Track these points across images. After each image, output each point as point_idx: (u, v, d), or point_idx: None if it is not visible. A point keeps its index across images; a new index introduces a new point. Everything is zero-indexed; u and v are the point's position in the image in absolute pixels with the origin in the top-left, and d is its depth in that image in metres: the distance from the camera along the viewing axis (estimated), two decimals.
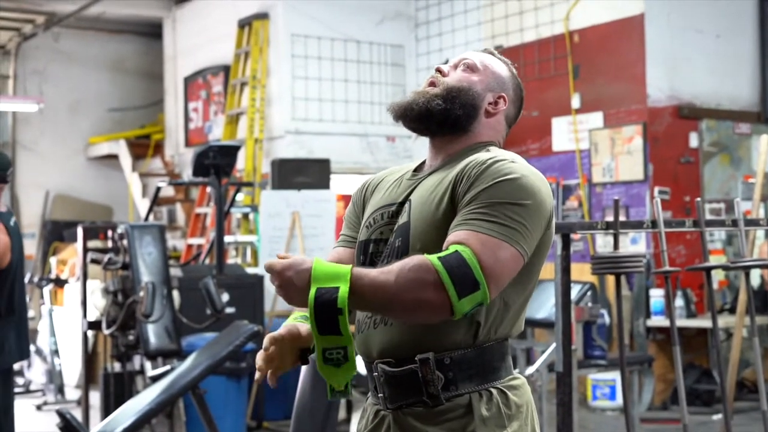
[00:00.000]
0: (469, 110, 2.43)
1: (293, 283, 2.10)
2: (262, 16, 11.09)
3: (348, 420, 7.07)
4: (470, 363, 2.27)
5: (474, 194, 2.23)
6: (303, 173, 9.29)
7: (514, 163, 2.28)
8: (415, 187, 2.39)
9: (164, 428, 6.28)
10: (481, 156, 2.33)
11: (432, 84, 2.46)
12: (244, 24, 11.29)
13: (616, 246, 4.02)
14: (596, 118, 9.49)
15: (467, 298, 2.11)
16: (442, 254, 2.12)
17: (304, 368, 4.74)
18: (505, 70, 2.53)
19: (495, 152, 2.36)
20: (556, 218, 9.05)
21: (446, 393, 2.26)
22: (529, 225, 2.21)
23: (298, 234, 8.84)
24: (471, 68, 2.48)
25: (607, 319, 6.74)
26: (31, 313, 10.78)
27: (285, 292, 2.12)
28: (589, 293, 6.25)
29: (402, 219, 2.36)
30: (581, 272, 7.66)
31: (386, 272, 2.12)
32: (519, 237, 2.18)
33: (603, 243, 9.11)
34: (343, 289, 2.06)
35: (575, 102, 9.64)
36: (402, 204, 2.39)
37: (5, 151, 13.53)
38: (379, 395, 2.33)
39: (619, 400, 8.39)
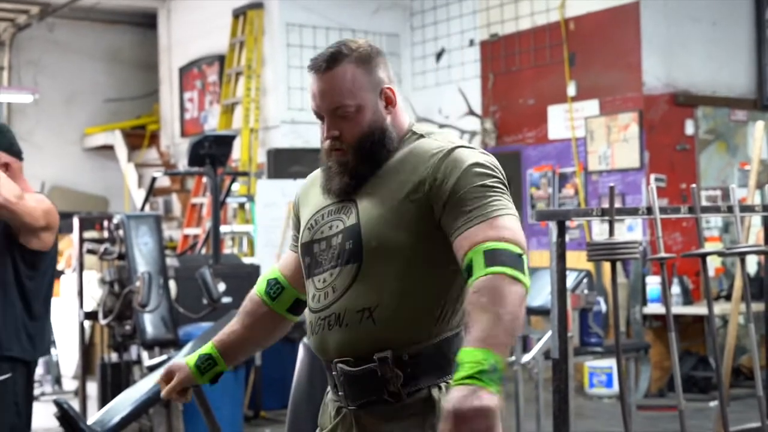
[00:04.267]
0: (382, 136, 2.39)
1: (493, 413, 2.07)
2: (257, 6, 11.08)
3: None
4: (429, 357, 2.28)
5: (447, 196, 2.26)
6: (298, 163, 9.29)
7: (463, 148, 2.33)
8: (358, 186, 2.37)
9: (161, 418, 6.28)
10: (430, 149, 2.34)
11: (338, 151, 2.38)
12: (239, 13, 11.27)
13: (611, 233, 4.02)
14: (592, 106, 9.48)
15: (526, 270, 2.17)
16: (479, 263, 2.16)
17: (300, 356, 4.74)
18: (361, 60, 2.38)
19: (437, 138, 2.38)
20: (552, 206, 9.02)
21: (407, 389, 2.27)
22: (507, 199, 2.28)
23: None
24: (347, 110, 2.36)
25: (603, 307, 6.75)
26: None
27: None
28: (585, 281, 6.26)
29: (350, 220, 2.35)
30: (577, 260, 7.64)
31: (484, 316, 2.11)
32: (507, 205, 2.26)
33: (599, 231, 9.11)
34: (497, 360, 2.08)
35: (571, 90, 9.63)
36: (342, 202, 2.39)
37: None
38: (340, 393, 2.34)
39: (616, 387, 8.40)
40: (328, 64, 2.35)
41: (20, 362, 4.50)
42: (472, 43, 10.87)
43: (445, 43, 11.22)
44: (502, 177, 2.31)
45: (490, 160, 2.33)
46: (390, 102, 2.41)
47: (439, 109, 11.16)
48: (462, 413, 1.98)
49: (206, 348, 2.63)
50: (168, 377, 2.65)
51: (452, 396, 2.01)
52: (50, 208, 4.54)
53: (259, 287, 2.65)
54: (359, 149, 2.36)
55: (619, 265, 4.16)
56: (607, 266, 7.80)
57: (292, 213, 2.63)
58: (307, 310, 2.45)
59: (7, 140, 4.52)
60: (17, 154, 4.56)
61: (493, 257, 2.15)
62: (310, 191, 2.53)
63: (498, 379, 2.06)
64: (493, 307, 2.10)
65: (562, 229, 4.11)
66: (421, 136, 2.40)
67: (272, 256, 8.74)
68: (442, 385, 2.29)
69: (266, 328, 2.65)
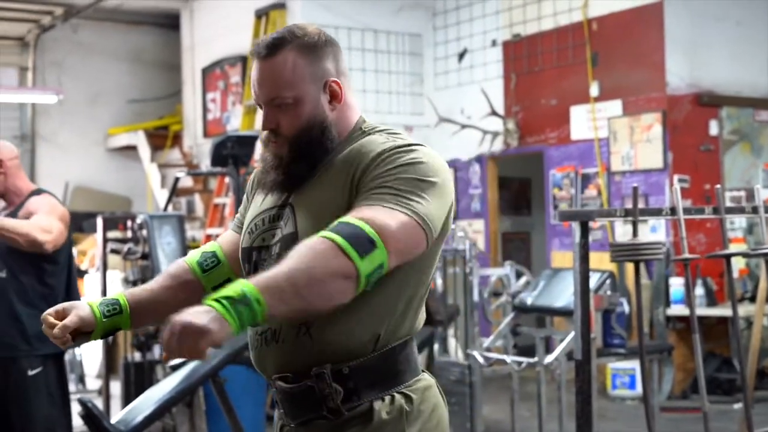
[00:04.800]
0: (320, 133, 2.22)
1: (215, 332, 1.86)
2: (279, 6, 11.10)
3: None
4: (371, 370, 2.14)
5: (371, 178, 2.10)
6: None
7: (409, 146, 2.15)
8: (294, 186, 2.23)
9: (184, 417, 6.31)
10: (372, 145, 2.18)
11: (274, 144, 2.23)
12: (261, 14, 11.29)
13: (635, 234, 4.00)
14: (615, 106, 9.45)
15: (368, 258, 1.96)
16: (329, 228, 2.00)
17: None
18: (305, 48, 2.22)
19: (382, 137, 2.21)
20: (574, 206, 9.05)
21: (347, 404, 2.14)
22: (435, 202, 2.08)
23: None
24: (284, 101, 2.20)
25: (626, 308, 6.72)
26: None
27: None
28: (608, 282, 6.23)
29: (287, 228, 2.20)
30: (600, 261, 7.63)
31: (280, 265, 1.97)
32: (419, 207, 2.05)
33: (622, 232, 9.03)
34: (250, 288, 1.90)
35: (594, 90, 9.60)
36: (282, 207, 2.25)
37: (26, 143, 13.60)
38: (280, 411, 2.25)
39: (639, 389, 8.37)
40: (269, 50, 2.19)
41: (50, 357, 4.63)
42: (494, 43, 10.85)
43: (467, 44, 11.20)
44: (442, 185, 2.11)
45: (437, 165, 2.13)
46: (335, 96, 2.24)
47: (461, 109, 11.15)
48: (177, 324, 1.83)
49: (113, 295, 2.35)
50: (62, 313, 2.28)
51: (187, 310, 1.87)
52: (63, 214, 4.65)
53: (190, 257, 2.44)
54: (295, 144, 2.20)
55: (642, 266, 4.14)
56: (630, 267, 7.78)
57: (247, 190, 2.44)
58: None
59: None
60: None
61: (340, 226, 1.99)
62: (259, 185, 2.37)
63: (246, 314, 1.86)
64: (295, 260, 1.95)
65: (585, 230, 4.09)
66: (368, 134, 2.24)
67: None
68: (386, 397, 2.14)
69: (185, 298, 2.33)
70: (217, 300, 1.88)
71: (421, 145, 2.18)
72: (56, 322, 2.26)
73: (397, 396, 2.15)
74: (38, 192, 4.82)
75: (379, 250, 1.98)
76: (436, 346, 6.69)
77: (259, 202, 2.31)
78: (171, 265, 2.47)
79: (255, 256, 2.25)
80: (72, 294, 4.80)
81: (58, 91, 12.55)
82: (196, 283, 2.39)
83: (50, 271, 4.67)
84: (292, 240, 2.15)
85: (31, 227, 4.49)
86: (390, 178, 2.08)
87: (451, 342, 6.60)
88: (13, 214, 4.67)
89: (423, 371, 2.24)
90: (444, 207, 2.12)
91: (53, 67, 13.78)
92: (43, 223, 4.52)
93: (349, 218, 2.00)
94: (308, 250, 1.97)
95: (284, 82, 2.18)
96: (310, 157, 2.21)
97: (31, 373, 4.63)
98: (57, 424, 4.70)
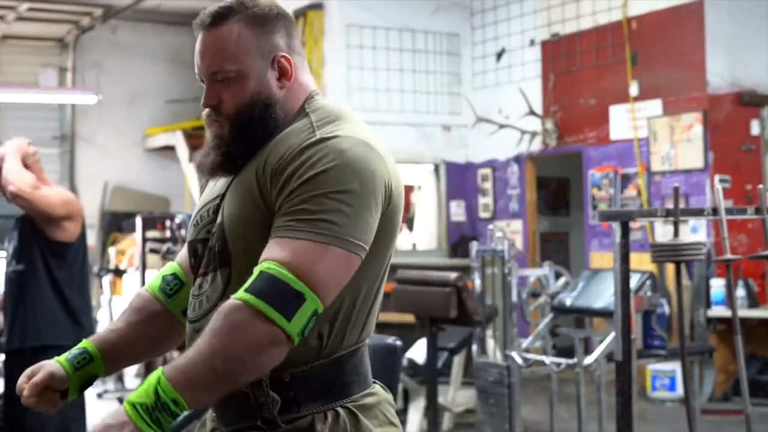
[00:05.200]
0: (263, 112, 2.03)
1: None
2: (317, 7, 11.10)
3: (405, 410, 7.06)
4: (315, 380, 1.96)
5: (288, 192, 1.90)
6: None
7: (333, 139, 1.93)
8: (232, 169, 2.06)
9: None
10: (294, 135, 1.98)
11: (215, 122, 2.07)
12: (299, 14, 11.30)
13: (676, 234, 3.95)
14: (655, 106, 9.37)
15: (296, 315, 1.80)
16: (246, 284, 1.84)
17: None
18: (254, 20, 2.04)
19: (311, 126, 1.99)
20: (614, 206, 8.96)
21: (285, 416, 1.95)
22: (357, 212, 1.87)
23: None
24: (226, 75, 2.03)
25: (666, 309, 6.66)
26: (92, 303, 10.90)
27: None
28: (648, 282, 6.18)
29: (219, 217, 2.04)
30: (640, 262, 7.58)
31: (196, 345, 1.83)
32: (343, 231, 1.86)
33: (662, 232, 9.00)
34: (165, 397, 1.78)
35: (633, 90, 9.53)
36: (222, 197, 2.07)
37: (66, 143, 13.72)
38: (214, 414, 2.08)
39: (679, 391, 8.29)
40: (214, 20, 2.03)
41: (61, 349, 4.61)
42: (532, 42, 10.80)
43: (505, 43, 11.16)
44: (369, 187, 1.90)
45: (361, 161, 1.91)
46: (285, 73, 2.04)
47: (499, 109, 11.11)
48: None
49: (80, 344, 2.20)
50: (32, 375, 2.16)
51: (105, 415, 1.80)
52: (70, 199, 4.69)
53: (151, 284, 2.28)
54: (236, 123, 2.02)
55: (683, 267, 4.09)
56: (670, 268, 7.72)
57: (200, 186, 2.26)
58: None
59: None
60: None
61: (262, 283, 1.82)
62: (200, 168, 2.18)
63: (165, 419, 1.78)
64: (215, 338, 1.80)
65: (625, 230, 4.05)
66: (305, 114, 2.03)
67: None
68: (329, 413, 1.96)
69: (157, 330, 2.24)
70: (133, 406, 1.79)
71: (338, 136, 1.94)
72: (25, 385, 2.14)
73: (342, 412, 1.97)
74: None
75: (309, 300, 1.82)
76: (474, 347, 6.67)
77: (208, 192, 2.15)
78: (134, 297, 2.29)
79: (200, 249, 2.08)
80: (84, 293, 4.81)
81: (98, 92, 12.63)
82: (163, 312, 2.24)
83: (57, 266, 4.71)
84: (221, 230, 2.00)
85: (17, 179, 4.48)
86: (304, 196, 1.87)
87: (490, 343, 6.57)
88: None
89: (375, 383, 2.06)
90: (370, 210, 1.90)
91: (92, 68, 13.87)
92: (30, 181, 4.50)
93: (269, 265, 1.83)
94: (224, 322, 1.81)
95: (228, 55, 2.01)
96: (249, 138, 2.01)
97: None
98: (71, 421, 4.73)
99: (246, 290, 1.82)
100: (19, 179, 4.45)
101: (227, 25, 2.02)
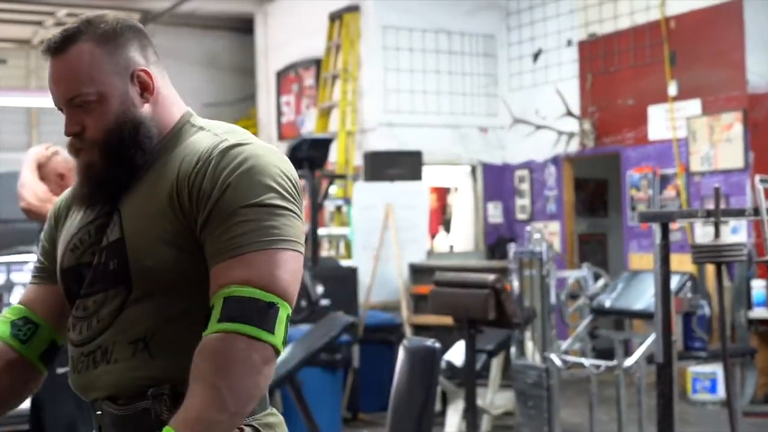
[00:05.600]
0: (135, 132, 1.93)
1: None
2: (353, 9, 11.11)
3: (443, 412, 7.05)
4: None
5: (214, 202, 1.81)
6: (395, 165, 9.30)
7: (247, 145, 1.87)
8: (116, 194, 1.94)
9: None
10: (200, 144, 1.90)
11: (81, 152, 1.95)
12: (335, 17, 11.32)
13: (717, 234, 3.91)
14: (694, 106, 9.29)
15: (277, 326, 1.75)
16: (215, 315, 1.76)
17: (400, 359, 4.72)
18: (104, 38, 1.93)
19: (216, 136, 1.91)
20: (652, 208, 8.89)
21: None
22: (289, 214, 1.84)
23: (391, 226, 8.84)
24: (85, 99, 1.91)
25: (707, 311, 6.60)
26: None
27: None
28: (688, 284, 6.13)
29: (113, 235, 1.91)
30: (680, 263, 7.51)
31: (195, 392, 1.74)
32: (284, 233, 1.82)
33: (702, 233, 8.92)
34: None
35: (672, 89, 9.45)
36: (109, 215, 1.94)
37: None
38: None
39: (720, 393, 8.22)
40: (61, 44, 1.91)
41: None
42: (569, 43, 10.75)
43: (542, 44, 11.11)
44: (290, 189, 1.86)
45: (278, 164, 1.86)
46: (146, 88, 1.94)
47: (536, 110, 11.06)
48: None
49: None
50: None
51: None
52: None
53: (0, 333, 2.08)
54: (106, 149, 1.91)
55: (723, 268, 4.05)
56: (710, 269, 7.65)
57: (46, 230, 2.14)
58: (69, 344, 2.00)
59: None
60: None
61: (231, 308, 1.75)
62: (71, 207, 2.08)
63: None
64: (213, 378, 1.72)
65: (665, 231, 4.03)
66: (200, 128, 1.96)
67: (369, 258, 8.76)
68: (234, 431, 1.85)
69: (14, 380, 2.08)
70: None
71: (251, 143, 1.89)
72: None
73: (247, 430, 1.86)
74: None
75: (281, 307, 1.78)
76: (512, 349, 6.64)
77: (78, 219, 2.01)
78: None
79: (85, 272, 1.94)
80: None
81: None
82: (20, 360, 2.07)
83: None
84: (119, 249, 1.89)
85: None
86: (236, 207, 1.80)
87: (528, 345, 6.54)
88: None
89: (270, 407, 1.97)
90: (297, 210, 1.88)
91: None
92: (42, 195, 4.50)
93: (230, 289, 1.76)
94: (217, 360, 1.73)
95: (83, 78, 1.90)
96: (126, 161, 1.92)
97: (60, 371, 4.69)
98: (80, 423, 4.75)
99: (219, 321, 1.75)
100: (29, 193, 4.46)
101: (76, 47, 1.91)
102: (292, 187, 1.87)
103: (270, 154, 1.88)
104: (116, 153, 1.91)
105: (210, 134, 1.93)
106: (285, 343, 1.79)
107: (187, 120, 1.99)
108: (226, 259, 1.79)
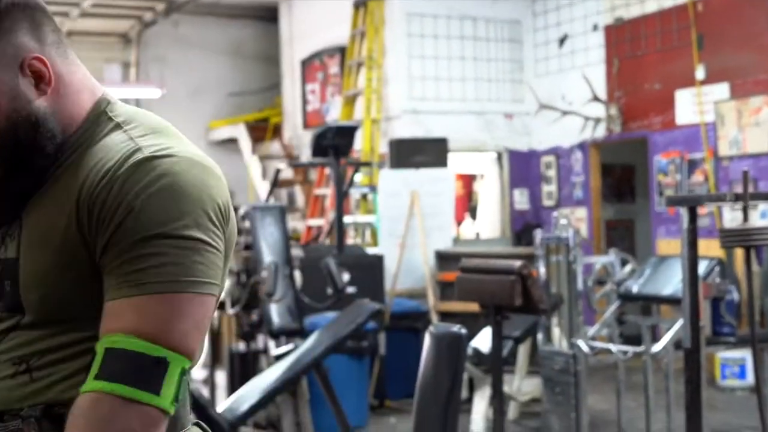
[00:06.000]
0: (32, 131, 1.63)
1: None
2: None
3: (470, 399, 7.03)
4: None
5: (112, 232, 1.53)
6: (420, 152, 9.28)
7: (165, 158, 1.56)
8: (22, 207, 1.66)
9: (288, 406, 6.35)
10: (111, 151, 1.59)
11: None
12: (360, 4, 11.30)
13: (745, 218, 3.87)
14: (722, 90, 9.21)
15: (164, 385, 1.51)
16: (93, 370, 1.51)
17: (426, 345, 4.71)
18: None
19: (131, 140, 1.60)
20: (680, 193, 8.79)
21: None
22: (202, 248, 1.55)
23: (416, 213, 8.82)
24: None
25: (735, 296, 6.54)
26: None
27: None
28: (716, 269, 6.08)
29: (10, 251, 1.65)
30: (708, 248, 7.45)
31: None
32: (191, 272, 1.54)
33: (730, 218, 8.85)
34: None
35: (700, 73, 9.37)
36: (11, 225, 1.67)
37: None
38: None
39: (750, 379, 8.16)
40: None
41: None
42: (596, 27, 10.68)
43: (568, 29, 11.04)
44: (212, 216, 1.57)
45: (200, 184, 1.56)
46: (41, 78, 1.63)
47: (562, 95, 11.00)
48: None
49: None
50: None
51: None
52: None
53: None
54: (0, 155, 1.62)
55: (752, 252, 4.02)
56: (739, 254, 7.59)
57: None
58: None
59: None
60: None
61: (110, 363, 1.49)
62: None
63: None
64: None
65: (693, 216, 3.99)
66: (116, 126, 1.65)
67: (395, 246, 8.75)
68: None
69: None
70: None
71: (171, 156, 1.57)
72: None
73: None
74: None
75: (173, 361, 1.52)
76: (539, 336, 6.62)
77: None
78: None
79: None
80: None
81: (161, 86, 12.76)
82: None
83: None
84: (13, 269, 1.63)
85: None
86: (137, 237, 1.52)
87: (555, 331, 6.51)
88: None
89: (194, 424, 1.73)
90: (215, 242, 1.58)
91: (155, 62, 14.02)
92: None
93: (115, 339, 1.50)
94: (85, 424, 1.49)
95: None
96: (27, 166, 1.63)
97: None
98: None
99: (96, 378, 1.50)
100: None
101: None
102: (217, 213, 1.58)
103: (193, 169, 1.56)
104: (13, 159, 1.62)
105: (125, 137, 1.60)
106: (178, 400, 1.54)
107: (103, 110, 1.68)
108: (120, 297, 1.52)
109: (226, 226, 1.61)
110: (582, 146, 10.82)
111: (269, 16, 13.97)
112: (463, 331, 3.83)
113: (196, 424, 1.74)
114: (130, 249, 1.52)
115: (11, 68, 1.61)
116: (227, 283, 7.54)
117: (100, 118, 1.66)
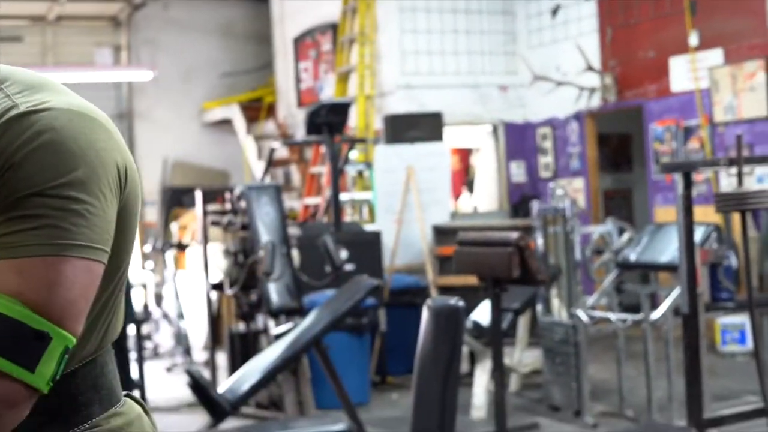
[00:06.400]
0: None
1: None
2: None
3: (470, 373, 7.04)
4: (38, 406, 1.47)
5: None
6: (415, 127, 9.25)
7: (44, 112, 1.45)
8: None
9: (290, 385, 6.35)
10: None
11: None
12: None
13: (740, 182, 3.86)
14: (716, 55, 9.17)
15: (42, 362, 1.40)
16: None
17: (424, 319, 4.70)
18: None
19: (7, 97, 1.49)
20: (676, 160, 8.75)
21: None
22: (89, 208, 1.44)
23: (413, 188, 8.80)
24: None
25: (734, 261, 6.54)
26: (156, 279, 11.03)
27: None
28: (713, 235, 6.07)
29: None
30: (705, 215, 7.44)
31: None
32: (78, 235, 1.43)
33: (727, 184, 8.83)
34: None
35: (693, 40, 9.33)
36: None
37: (124, 120, 13.84)
38: None
39: (750, 344, 8.16)
40: None
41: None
42: None
43: None
44: (100, 173, 1.45)
45: (83, 139, 1.45)
46: None
47: (556, 66, 10.96)
48: None
49: None
50: None
51: None
52: None
53: None
54: None
55: (749, 217, 4.01)
56: (736, 219, 7.57)
57: None
58: None
59: None
60: None
61: None
62: None
63: None
64: None
65: (688, 181, 3.98)
66: None
67: (392, 222, 8.74)
68: None
69: None
70: None
71: (50, 108, 1.47)
72: None
73: None
74: None
75: (56, 338, 1.41)
76: (539, 307, 6.62)
77: None
78: None
79: None
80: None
81: (153, 68, 12.71)
82: None
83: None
84: None
85: None
86: (19, 195, 1.41)
87: (554, 302, 6.51)
88: None
89: (127, 397, 1.66)
90: (104, 201, 1.47)
91: (146, 45, 13.96)
92: None
93: (9, 306, 1.38)
94: None
95: None
96: None
97: None
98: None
99: None
100: None
101: None
102: (107, 173, 1.47)
103: (76, 123, 1.46)
104: None
105: (1, 95, 1.50)
106: (54, 379, 1.43)
107: None
108: (5, 257, 1.40)
109: (121, 188, 1.51)
110: (578, 116, 10.79)
111: None
112: (461, 302, 3.82)
113: (127, 395, 1.66)
114: (8, 209, 1.41)
115: None
116: (224, 263, 7.54)
117: None
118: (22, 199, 1.40)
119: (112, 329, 1.62)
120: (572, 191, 10.40)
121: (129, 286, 5.11)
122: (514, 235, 5.30)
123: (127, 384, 5.02)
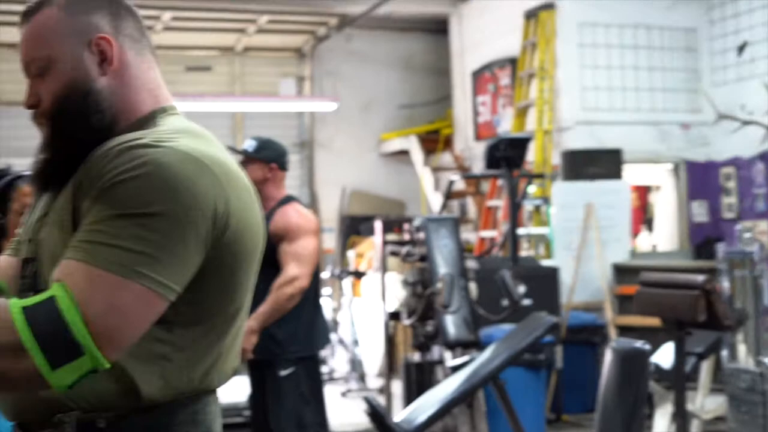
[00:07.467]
0: (83, 101, 1.68)
1: None
2: (549, 7, 11.01)
3: (650, 416, 6.90)
4: (138, 427, 1.59)
5: (90, 203, 1.55)
6: (594, 164, 9.17)
7: (156, 148, 1.56)
8: (58, 181, 1.71)
9: (465, 418, 6.36)
10: (115, 141, 1.62)
11: (41, 127, 1.73)
12: (531, 15, 11.25)
13: None
14: None
15: (65, 369, 1.46)
16: (31, 300, 1.48)
17: (607, 361, 4.66)
18: (70, 2, 1.73)
19: (138, 134, 1.63)
20: None
21: None
22: (166, 243, 1.50)
23: (593, 225, 8.72)
24: (38, 65, 1.71)
25: None
26: (333, 305, 11.23)
27: None
28: None
29: (42, 232, 1.70)
30: None
31: None
32: (148, 266, 1.49)
33: None
34: None
35: None
36: (46, 213, 1.72)
37: (305, 149, 14.19)
38: None
39: None
40: (31, 10, 1.74)
41: (302, 359, 5.04)
42: None
43: (747, 36, 10.72)
44: (180, 210, 1.52)
45: (182, 179, 1.53)
46: (105, 57, 1.70)
47: (741, 105, 10.67)
48: None
49: None
50: None
51: None
52: (310, 224, 5.02)
53: None
54: (52, 120, 1.70)
55: None
56: None
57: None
58: None
59: (275, 152, 5.04)
60: (283, 165, 5.11)
61: (41, 312, 1.47)
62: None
63: None
64: None
65: None
66: (154, 124, 1.70)
67: (569, 258, 8.67)
68: None
69: None
70: None
71: (164, 147, 1.57)
72: None
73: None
74: (288, 200, 5.05)
75: (87, 357, 1.46)
76: (724, 353, 6.44)
77: (41, 204, 1.78)
78: None
79: (29, 269, 1.71)
80: (317, 299, 5.12)
81: (335, 99, 13.00)
82: None
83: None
84: (35, 252, 1.70)
85: (279, 295, 4.78)
86: (103, 214, 1.52)
87: (741, 348, 6.33)
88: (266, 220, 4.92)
89: None
90: (186, 242, 1.52)
91: (329, 76, 14.29)
92: (290, 271, 4.84)
93: (63, 293, 1.47)
94: None
95: (38, 42, 1.71)
96: (69, 135, 1.68)
97: (283, 373, 4.97)
98: (306, 421, 5.07)
99: (26, 308, 1.48)
100: (293, 277, 4.84)
101: (43, 13, 1.72)
102: (204, 213, 1.54)
103: (182, 164, 1.54)
104: (61, 126, 1.69)
105: (142, 133, 1.64)
106: (70, 388, 1.50)
107: (159, 116, 1.73)
108: (80, 258, 1.51)
109: (219, 234, 1.57)
110: (763, 157, 10.48)
111: (439, 29, 14.05)
112: (647, 345, 3.78)
113: None
114: (97, 221, 1.52)
115: (79, 42, 1.69)
116: (402, 293, 7.63)
117: (155, 119, 1.71)
118: (107, 218, 1.50)
119: (217, 372, 1.68)
120: (757, 233, 10.08)
121: (322, 312, 5.34)
122: (700, 277, 5.19)
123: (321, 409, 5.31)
